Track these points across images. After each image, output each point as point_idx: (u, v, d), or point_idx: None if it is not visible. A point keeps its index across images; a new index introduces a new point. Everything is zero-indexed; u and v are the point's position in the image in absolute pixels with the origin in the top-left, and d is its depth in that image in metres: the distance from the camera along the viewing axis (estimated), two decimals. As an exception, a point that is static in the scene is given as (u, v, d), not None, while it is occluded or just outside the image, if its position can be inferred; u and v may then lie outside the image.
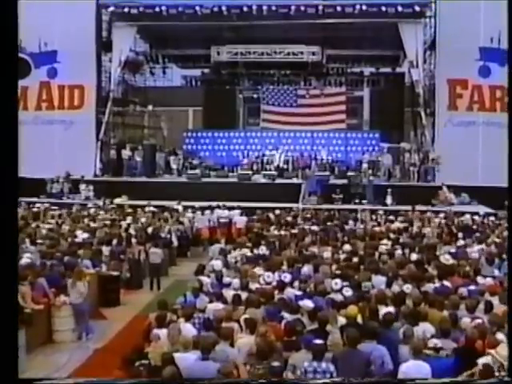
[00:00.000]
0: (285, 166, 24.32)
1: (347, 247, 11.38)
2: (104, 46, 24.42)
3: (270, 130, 28.42)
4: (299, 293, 8.16)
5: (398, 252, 11.03)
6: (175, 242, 15.76)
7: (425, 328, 6.65)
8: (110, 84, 24.31)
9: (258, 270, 9.32)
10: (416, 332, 6.43)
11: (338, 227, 14.60)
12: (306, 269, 9.54)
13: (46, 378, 5.33)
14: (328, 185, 21.63)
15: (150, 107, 28.11)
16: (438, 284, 8.56)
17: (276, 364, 5.61)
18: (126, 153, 24.15)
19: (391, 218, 16.37)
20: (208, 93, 29.64)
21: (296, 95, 29.60)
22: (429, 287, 8.38)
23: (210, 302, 7.85)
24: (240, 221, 17.45)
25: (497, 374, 5.14)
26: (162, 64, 27.75)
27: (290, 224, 15.35)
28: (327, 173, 23.14)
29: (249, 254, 10.96)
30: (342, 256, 10.76)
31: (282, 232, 13.91)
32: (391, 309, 7.19)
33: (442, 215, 16.91)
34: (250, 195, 20.43)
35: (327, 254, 10.85)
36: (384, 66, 27.64)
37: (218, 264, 9.80)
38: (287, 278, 8.66)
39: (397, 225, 15.10)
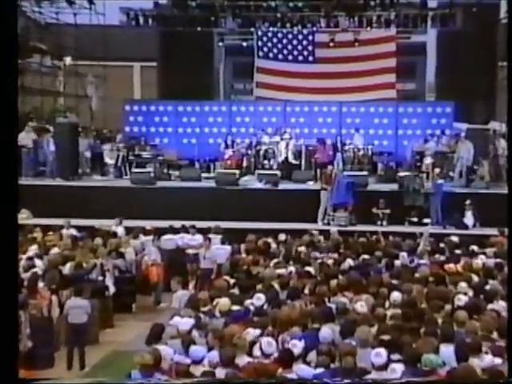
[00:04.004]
0: (294, 162, 24.54)
1: (398, 296, 11.49)
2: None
3: (269, 101, 28.60)
4: (317, 370, 8.28)
5: (485, 305, 11.14)
6: (111, 288, 15.86)
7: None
8: None
9: (251, 333, 9.44)
10: None
11: (383, 263, 14.73)
12: (328, 330, 9.65)
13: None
14: (366, 192, 21.87)
15: (68, 60, 28.18)
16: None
17: None
18: (26, 136, 24.21)
19: (473, 248, 16.52)
20: (166, 38, 29.87)
21: (312, 43, 29.78)
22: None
23: (171, 386, 7.95)
24: (220, 252, 17.53)
25: None
26: (88, -13, 28.03)
27: (303, 257, 15.47)
28: (364, 172, 23.38)
29: (235, 306, 11.07)
30: (390, 311, 10.88)
31: (290, 269, 14.00)
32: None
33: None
34: (238, 209, 20.62)
35: (364, 306, 10.95)
36: (462, -8, 27.95)
37: (184, 323, 9.90)
38: (298, 345, 8.78)
39: (483, 260, 15.20)
